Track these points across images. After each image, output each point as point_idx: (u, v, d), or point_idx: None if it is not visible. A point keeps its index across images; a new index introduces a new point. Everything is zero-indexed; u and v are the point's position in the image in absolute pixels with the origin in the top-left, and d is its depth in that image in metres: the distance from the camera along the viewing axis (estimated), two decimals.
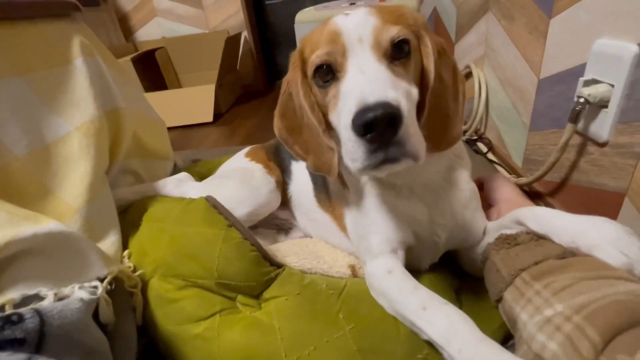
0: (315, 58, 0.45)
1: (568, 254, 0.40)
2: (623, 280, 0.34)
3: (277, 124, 0.55)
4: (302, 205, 0.76)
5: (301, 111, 0.50)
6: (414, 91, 0.44)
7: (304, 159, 0.54)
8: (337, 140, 0.47)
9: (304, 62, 0.49)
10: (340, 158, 0.47)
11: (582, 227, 0.42)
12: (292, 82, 0.50)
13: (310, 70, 0.46)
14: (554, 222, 0.45)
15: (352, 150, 0.38)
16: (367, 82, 0.39)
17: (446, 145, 0.48)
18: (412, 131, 0.38)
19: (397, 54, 0.43)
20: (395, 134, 0.36)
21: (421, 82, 0.47)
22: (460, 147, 0.57)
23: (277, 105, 0.54)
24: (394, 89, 0.38)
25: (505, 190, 0.59)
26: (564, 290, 0.35)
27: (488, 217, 0.58)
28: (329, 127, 0.49)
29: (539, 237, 0.45)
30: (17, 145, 0.57)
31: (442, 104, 0.47)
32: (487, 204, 0.61)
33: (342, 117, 0.40)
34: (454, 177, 0.54)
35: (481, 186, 0.64)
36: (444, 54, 0.47)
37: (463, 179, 0.55)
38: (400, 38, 0.42)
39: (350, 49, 0.42)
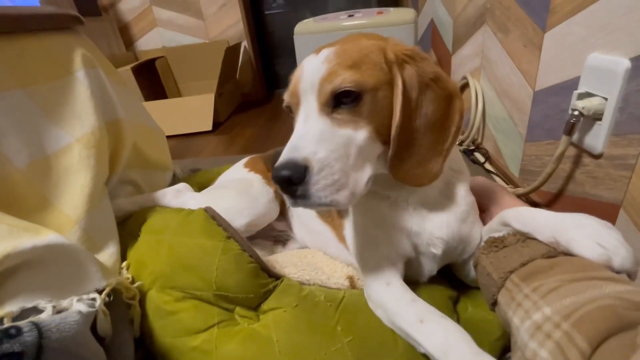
0: (285, 96, 0.49)
1: (554, 253, 0.41)
2: (609, 281, 0.34)
3: None
4: (301, 215, 0.76)
5: None
6: (360, 136, 0.44)
7: None
8: None
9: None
10: None
11: (561, 223, 0.43)
12: None
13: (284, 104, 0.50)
14: (535, 220, 0.45)
15: None
16: (299, 135, 0.43)
17: (421, 182, 0.48)
18: (322, 185, 0.40)
19: (344, 100, 0.43)
20: (297, 190, 0.41)
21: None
22: (458, 160, 0.57)
23: None
24: (317, 143, 0.42)
25: (499, 195, 0.59)
26: (551, 292, 0.35)
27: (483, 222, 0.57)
28: None
29: (526, 238, 0.45)
30: (18, 157, 0.57)
31: (418, 141, 0.46)
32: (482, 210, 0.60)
33: None
34: (452, 192, 0.54)
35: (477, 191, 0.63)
36: (433, 85, 0.46)
37: (461, 193, 0.55)
38: (342, 89, 0.43)
39: (302, 96, 0.46)
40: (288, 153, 0.41)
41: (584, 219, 0.42)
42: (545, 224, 0.44)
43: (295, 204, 0.43)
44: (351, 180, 0.43)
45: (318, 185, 0.40)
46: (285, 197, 0.43)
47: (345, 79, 0.42)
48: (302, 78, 0.45)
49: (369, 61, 0.45)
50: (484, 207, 0.60)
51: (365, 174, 0.45)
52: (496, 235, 0.49)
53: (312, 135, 0.43)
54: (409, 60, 0.45)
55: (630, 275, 0.37)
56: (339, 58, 0.44)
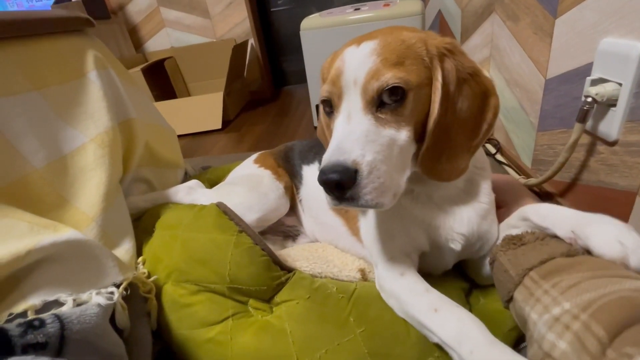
0: (322, 91, 0.48)
1: (573, 252, 0.41)
2: (630, 278, 0.34)
3: (318, 122, 0.59)
4: (312, 209, 0.77)
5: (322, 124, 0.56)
6: (402, 136, 0.43)
7: None
8: None
9: (323, 80, 0.51)
10: None
11: (581, 219, 0.43)
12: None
13: (319, 99, 0.49)
14: (555, 214, 0.46)
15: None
16: (343, 134, 0.42)
17: (448, 177, 0.47)
18: (370, 188, 0.40)
19: (390, 98, 0.42)
20: (346, 193, 0.40)
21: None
22: (482, 158, 0.56)
23: None
24: (363, 145, 0.40)
25: (514, 191, 0.59)
26: (571, 288, 0.35)
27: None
28: None
29: (545, 236, 0.45)
30: (36, 157, 0.59)
31: (451, 136, 0.45)
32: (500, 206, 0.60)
33: None
34: (474, 190, 0.54)
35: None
36: (470, 80, 0.45)
37: (484, 190, 0.54)
38: (390, 86, 0.41)
39: (345, 91, 0.44)
40: (335, 155, 0.40)
41: (604, 217, 0.42)
42: (564, 218, 0.44)
43: (338, 205, 0.42)
44: (394, 182, 0.42)
45: (367, 188, 0.40)
46: (328, 199, 0.42)
47: (393, 77, 0.41)
48: (346, 72, 0.44)
49: (412, 55, 0.43)
50: (503, 204, 0.59)
51: (405, 174, 0.45)
52: (514, 232, 0.49)
53: (359, 136, 0.41)
54: (449, 53, 0.44)
55: None
56: (384, 52, 0.43)
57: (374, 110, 0.43)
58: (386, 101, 0.42)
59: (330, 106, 0.47)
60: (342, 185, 0.39)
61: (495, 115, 0.46)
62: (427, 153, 0.45)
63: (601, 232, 0.40)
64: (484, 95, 0.46)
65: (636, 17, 0.59)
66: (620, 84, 0.63)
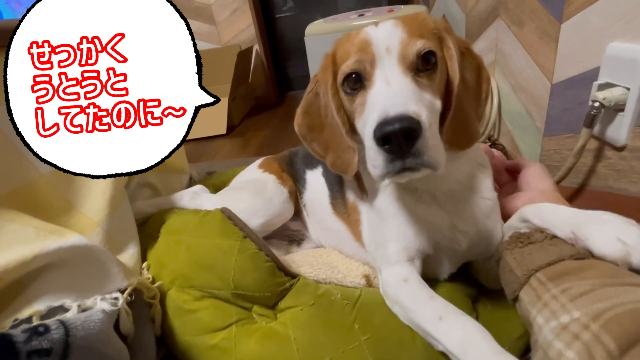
0: (345, 67, 0.47)
1: (582, 255, 0.39)
2: None
3: (298, 120, 0.57)
4: (316, 213, 0.77)
5: (326, 110, 0.53)
6: (437, 103, 0.45)
7: (321, 157, 0.56)
8: (360, 141, 0.49)
9: (335, 64, 0.51)
10: (360, 161, 0.50)
11: (580, 218, 0.42)
12: (322, 82, 0.53)
13: (340, 77, 0.49)
14: (555, 215, 0.44)
15: (374, 157, 0.41)
16: (391, 94, 0.42)
17: (465, 144, 0.49)
18: (431, 143, 0.39)
19: (423, 65, 0.44)
20: (413, 147, 0.38)
21: (446, 85, 0.48)
22: (482, 155, 0.57)
23: (301, 103, 0.57)
24: (416, 102, 0.40)
25: (545, 182, 0.56)
26: (582, 296, 0.34)
27: (515, 203, 0.55)
28: (351, 129, 0.52)
29: (553, 236, 0.44)
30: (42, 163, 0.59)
31: (463, 105, 0.47)
32: (517, 189, 0.59)
33: (367, 125, 0.43)
34: (477, 185, 0.54)
35: (516, 171, 0.62)
36: (467, 54, 0.48)
37: (486, 187, 0.54)
38: (426, 50, 0.44)
39: (378, 59, 0.45)
40: (392, 108, 0.38)
41: (604, 215, 0.41)
42: (564, 219, 0.43)
43: (397, 167, 0.39)
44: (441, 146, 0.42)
45: (429, 142, 0.39)
46: (384, 163, 0.40)
47: (425, 43, 0.43)
48: (374, 42, 0.45)
49: (426, 29, 0.47)
50: (525, 188, 0.57)
51: (441, 143, 0.43)
52: (522, 230, 0.48)
53: (408, 94, 0.41)
54: (449, 29, 0.48)
55: None
56: (407, 26, 0.45)
57: (412, 75, 0.44)
58: (420, 68, 0.44)
59: (356, 82, 0.47)
60: (410, 135, 0.37)
61: (489, 85, 0.51)
62: (451, 122, 0.46)
63: (600, 232, 0.39)
64: (479, 67, 0.50)
65: None
66: (628, 89, 0.63)
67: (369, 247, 0.61)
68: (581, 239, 0.40)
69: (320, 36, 1.59)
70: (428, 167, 0.40)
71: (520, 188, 0.58)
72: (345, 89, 0.49)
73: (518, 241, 0.46)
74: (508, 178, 0.65)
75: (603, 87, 0.67)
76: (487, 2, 1.20)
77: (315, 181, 0.76)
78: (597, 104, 0.67)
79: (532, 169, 0.59)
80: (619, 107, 0.64)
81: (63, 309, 0.45)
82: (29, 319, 0.42)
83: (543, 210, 0.47)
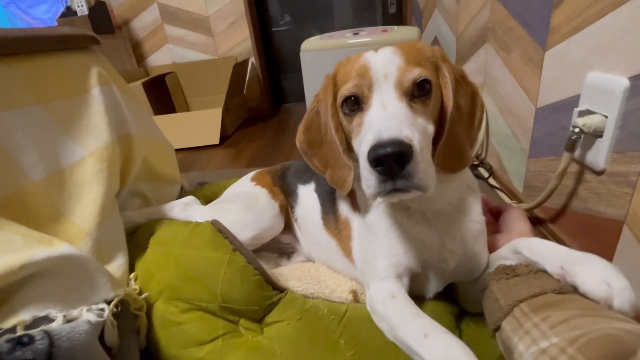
0: (344, 90, 0.50)
1: (565, 290, 0.42)
2: (619, 320, 0.35)
3: (299, 136, 0.59)
4: (308, 228, 0.77)
5: (326, 128, 0.55)
6: (430, 127, 0.47)
7: (321, 172, 0.59)
8: (356, 159, 0.51)
9: (335, 85, 0.53)
10: (356, 177, 0.52)
11: (571, 256, 0.44)
12: (322, 101, 0.55)
13: (340, 99, 0.51)
14: (546, 250, 0.47)
15: (367, 177, 0.43)
16: (386, 117, 0.44)
17: (456, 168, 0.51)
18: (421, 166, 0.41)
19: (418, 92, 0.47)
20: (404, 169, 0.40)
21: (440, 111, 0.50)
22: (472, 179, 0.59)
23: (303, 120, 0.59)
24: (409, 126, 0.42)
25: (522, 224, 0.60)
26: (561, 324, 0.36)
27: (496, 243, 0.58)
28: (348, 148, 0.54)
29: (537, 270, 0.46)
30: (34, 170, 0.60)
31: (456, 130, 0.50)
32: (497, 230, 0.62)
33: (362, 145, 0.45)
34: (467, 208, 0.56)
35: (498, 214, 0.67)
36: (462, 82, 0.51)
37: (476, 210, 0.56)
38: (422, 78, 0.46)
39: (376, 84, 0.47)
40: (386, 132, 0.40)
41: (593, 257, 0.44)
42: (554, 254, 0.46)
43: (388, 188, 0.41)
44: (432, 170, 0.44)
45: (420, 165, 0.41)
46: (375, 184, 0.42)
47: (422, 71, 0.46)
48: (373, 68, 0.47)
49: (423, 57, 0.49)
50: (505, 230, 0.61)
51: (432, 166, 0.45)
52: (507, 263, 0.50)
53: (402, 118, 0.43)
54: (445, 57, 0.51)
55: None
56: (405, 54, 0.48)
57: (407, 100, 0.46)
58: (415, 94, 0.46)
59: (354, 104, 0.49)
60: (402, 158, 0.39)
61: (483, 112, 0.53)
62: (444, 146, 0.48)
63: (589, 271, 0.41)
64: (473, 94, 0.52)
65: (620, 54, 0.62)
66: (606, 116, 0.66)
67: (358, 263, 0.62)
68: (570, 275, 0.42)
69: (315, 52, 1.62)
70: (418, 189, 0.42)
71: (500, 229, 0.62)
72: (344, 109, 0.51)
73: (504, 273, 0.48)
74: (490, 219, 0.68)
75: (583, 113, 0.70)
76: (477, 26, 1.25)
77: (307, 196, 0.77)
78: (577, 130, 0.70)
79: (512, 213, 0.63)
80: (597, 134, 0.67)
81: (48, 319, 0.45)
82: (13, 329, 0.42)
83: (534, 244, 0.49)
